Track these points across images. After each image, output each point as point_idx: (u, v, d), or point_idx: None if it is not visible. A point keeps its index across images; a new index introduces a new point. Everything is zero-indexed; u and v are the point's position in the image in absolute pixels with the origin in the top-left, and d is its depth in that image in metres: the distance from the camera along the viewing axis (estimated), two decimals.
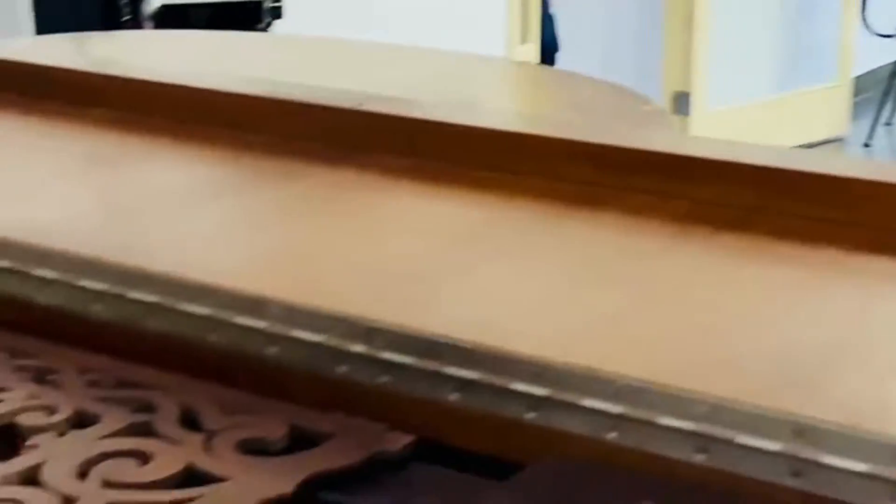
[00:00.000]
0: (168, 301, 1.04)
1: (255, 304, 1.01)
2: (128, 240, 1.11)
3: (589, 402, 0.90)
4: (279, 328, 1.00)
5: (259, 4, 4.38)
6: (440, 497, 0.90)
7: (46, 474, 0.88)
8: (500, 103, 2.05)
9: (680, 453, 0.87)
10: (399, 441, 0.94)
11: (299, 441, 0.94)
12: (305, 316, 0.99)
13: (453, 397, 0.94)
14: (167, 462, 0.91)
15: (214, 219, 1.22)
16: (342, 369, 0.98)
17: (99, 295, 1.07)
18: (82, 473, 0.89)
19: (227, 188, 1.30)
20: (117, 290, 1.06)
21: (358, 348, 0.97)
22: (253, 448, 0.93)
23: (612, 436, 0.89)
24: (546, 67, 5.63)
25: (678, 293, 1.07)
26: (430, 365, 0.95)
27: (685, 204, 1.21)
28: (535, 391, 0.91)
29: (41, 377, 1.02)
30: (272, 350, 1.00)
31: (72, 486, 0.87)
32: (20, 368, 1.03)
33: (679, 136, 3.47)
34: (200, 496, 0.87)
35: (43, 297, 1.09)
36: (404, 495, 0.90)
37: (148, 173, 1.34)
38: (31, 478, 0.88)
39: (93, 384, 1.01)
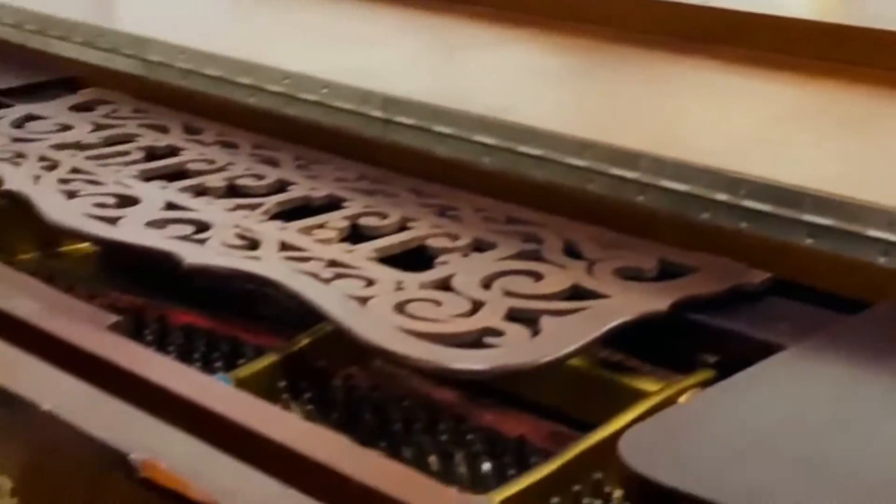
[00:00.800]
0: (552, 154, 1.08)
1: (629, 158, 1.04)
2: (511, 104, 1.16)
3: None
4: (650, 178, 1.03)
5: None
6: (793, 324, 0.92)
7: (457, 283, 0.95)
8: None
9: None
10: (757, 277, 0.97)
11: (667, 274, 0.98)
12: (674, 168, 1.02)
13: (808, 242, 0.96)
14: (556, 280, 0.96)
15: (585, 92, 1.26)
16: (706, 215, 1.01)
17: (490, 148, 1.12)
18: (486, 285, 0.95)
19: (590, 70, 1.34)
20: (507, 144, 1.11)
21: (721, 196, 1.00)
22: (629, 275, 0.97)
23: None
24: None
25: None
26: (788, 212, 0.97)
27: None
28: (889, 237, 0.92)
29: (443, 213, 1.09)
30: (642, 198, 1.04)
31: (479, 293, 0.93)
32: (424, 205, 1.10)
33: None
34: (589, 307, 0.92)
35: (442, 150, 1.15)
36: (762, 321, 0.93)
37: (518, 56, 1.38)
38: (444, 285, 0.95)
39: (487, 219, 1.07)
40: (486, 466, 0.91)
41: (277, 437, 0.80)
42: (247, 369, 0.97)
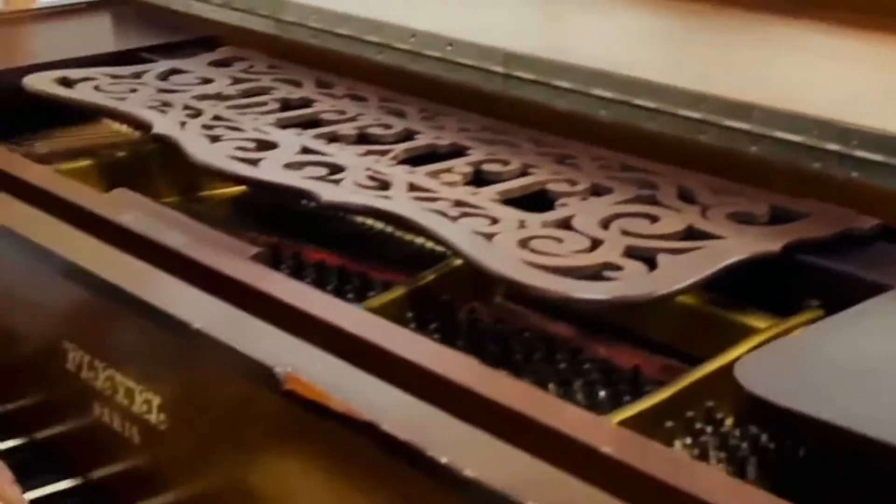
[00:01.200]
0: (666, 107, 1.08)
1: (743, 109, 1.04)
2: (625, 61, 1.16)
3: None
4: (763, 129, 1.03)
5: None
6: None
7: (577, 223, 0.96)
8: None
9: None
10: (867, 223, 0.96)
11: (779, 219, 0.98)
12: (786, 119, 1.02)
13: None
14: (672, 222, 0.96)
15: (697, 52, 1.26)
16: (817, 165, 1.00)
17: (606, 101, 1.12)
18: (604, 225, 0.96)
19: (701, 32, 1.33)
20: (623, 97, 1.11)
21: (832, 147, 0.99)
22: (741, 219, 0.97)
23: None
24: None
25: None
26: None
27: None
28: None
29: (561, 160, 1.10)
30: (755, 148, 1.04)
31: (597, 232, 0.94)
32: (543, 154, 1.11)
33: None
34: (704, 247, 0.92)
35: (560, 103, 1.16)
36: (871, 264, 0.92)
37: (631, 19, 1.38)
38: (564, 224, 0.96)
39: (603, 167, 1.08)
40: (602, 394, 0.92)
41: (411, 357, 0.82)
42: (377, 301, 0.99)
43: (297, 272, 1.09)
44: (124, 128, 1.34)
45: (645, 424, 0.81)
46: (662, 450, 0.75)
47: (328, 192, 1.01)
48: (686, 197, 1.01)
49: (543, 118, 1.17)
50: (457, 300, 1.02)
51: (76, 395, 1.05)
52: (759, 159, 1.04)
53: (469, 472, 0.72)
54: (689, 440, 0.84)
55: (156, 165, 1.28)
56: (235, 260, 0.96)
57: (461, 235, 0.93)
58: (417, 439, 0.75)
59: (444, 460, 0.73)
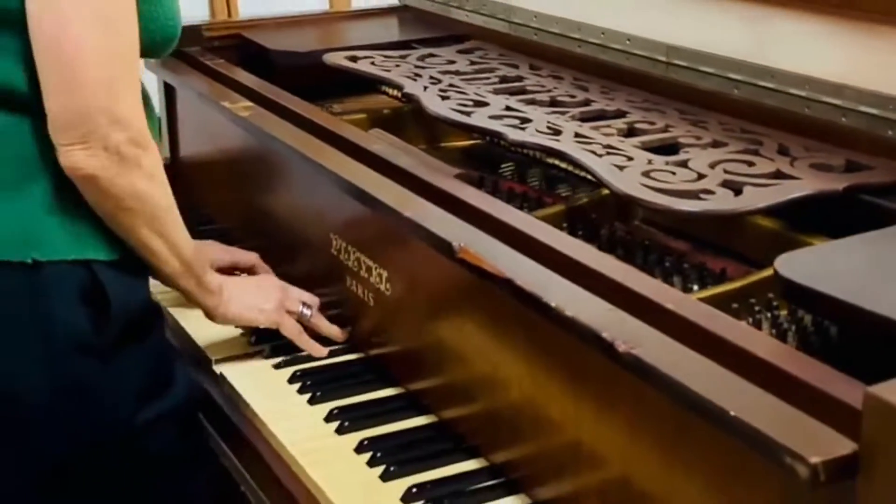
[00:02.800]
0: (780, 87, 1.16)
1: (835, 89, 1.10)
2: (750, 49, 1.23)
3: None
4: (851, 104, 1.09)
5: None
6: None
7: (691, 164, 1.06)
8: None
9: None
10: None
11: (852, 170, 1.05)
12: (870, 96, 1.07)
13: None
14: (764, 167, 1.06)
15: (816, 50, 1.30)
16: (890, 133, 1.06)
17: (738, 83, 1.20)
18: (712, 166, 1.06)
19: (841, 35, 1.36)
20: (749, 80, 1.19)
21: None
22: (820, 168, 1.05)
23: None
24: None
25: None
26: None
27: None
28: None
29: (695, 123, 1.19)
30: (844, 120, 1.10)
31: (704, 170, 1.05)
32: (684, 119, 1.21)
33: None
34: (783, 184, 1.01)
35: (704, 84, 1.24)
36: None
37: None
38: (681, 164, 1.07)
39: (726, 130, 1.17)
40: (695, 287, 1.02)
41: (546, 241, 0.95)
42: (542, 213, 1.13)
43: (492, 193, 1.23)
44: (388, 97, 1.51)
45: (717, 303, 0.92)
46: (717, 313, 0.85)
47: (514, 134, 1.15)
48: (783, 152, 1.10)
49: (690, 95, 1.26)
50: (601, 219, 1.14)
51: (336, 271, 1.24)
52: (847, 130, 1.10)
53: (569, 312, 0.85)
54: (749, 319, 0.94)
55: (409, 121, 1.46)
56: (443, 177, 1.12)
57: (602, 165, 1.06)
58: (540, 293, 0.89)
59: (553, 304, 0.87)
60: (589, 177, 1.09)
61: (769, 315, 0.94)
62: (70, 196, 1.00)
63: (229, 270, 1.30)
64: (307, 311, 1.21)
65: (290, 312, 1.20)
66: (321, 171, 1.20)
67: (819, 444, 0.68)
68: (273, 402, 1.12)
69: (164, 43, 1.08)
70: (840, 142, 1.11)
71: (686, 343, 0.80)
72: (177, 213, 1.08)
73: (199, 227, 1.43)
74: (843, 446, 0.67)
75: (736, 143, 1.12)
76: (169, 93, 1.67)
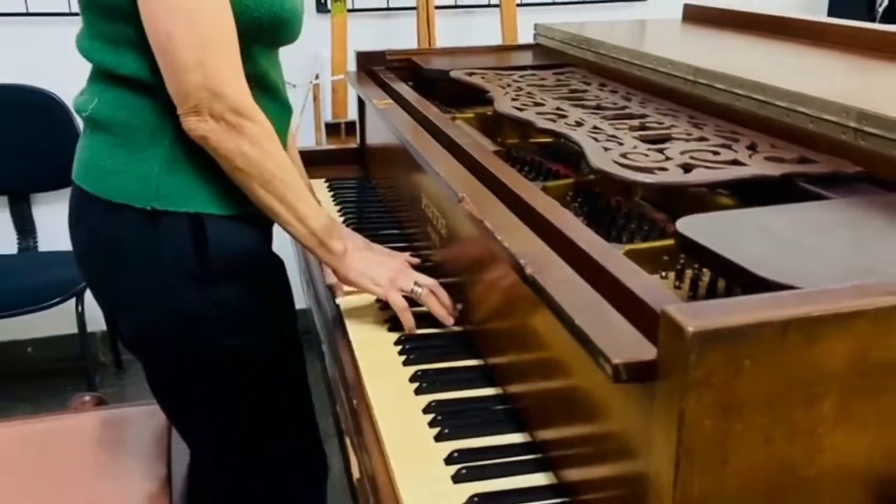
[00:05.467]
0: (779, 103, 1.03)
1: (805, 99, 0.96)
2: (754, 69, 1.10)
3: None
4: (817, 113, 0.95)
5: None
6: (867, 195, 0.82)
7: (666, 151, 0.96)
8: None
9: None
10: (853, 169, 0.88)
11: (801, 163, 0.91)
12: (831, 105, 0.93)
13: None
14: (725, 156, 0.94)
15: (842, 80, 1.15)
16: (843, 136, 0.92)
17: (739, 97, 1.08)
18: (682, 152, 0.95)
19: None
20: (748, 94, 1.07)
21: (852, 124, 0.90)
22: (773, 159, 0.92)
23: None
24: None
25: None
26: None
27: None
28: None
29: (696, 125, 1.08)
30: (811, 125, 0.96)
31: (674, 155, 0.94)
32: (689, 122, 1.10)
33: None
34: (728, 169, 0.90)
35: (717, 98, 1.13)
36: (839, 190, 0.84)
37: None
38: (659, 150, 0.97)
39: (718, 130, 1.05)
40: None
41: (536, 207, 0.89)
42: (553, 184, 1.06)
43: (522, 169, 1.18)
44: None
45: (647, 253, 0.83)
46: (628, 264, 0.77)
47: (542, 123, 1.09)
48: (751, 147, 0.98)
49: (705, 106, 1.15)
50: (604, 193, 1.06)
51: (423, 219, 1.24)
52: (812, 132, 0.97)
53: (506, 243, 0.80)
54: (670, 273, 0.84)
55: (504, 123, 1.42)
56: (484, 151, 1.08)
57: (593, 147, 0.98)
58: (495, 230, 0.84)
59: (499, 237, 0.82)
60: None
61: (689, 269, 0.84)
62: (186, 161, 0.98)
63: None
64: (419, 290, 1.06)
65: (402, 291, 1.06)
66: (409, 146, 1.19)
67: (624, 348, 0.60)
68: (370, 339, 1.05)
69: (273, 25, 0.97)
70: (808, 144, 0.97)
71: (582, 273, 0.74)
72: (297, 185, 0.99)
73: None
74: (646, 353, 0.59)
75: (717, 140, 1.01)
76: (361, 102, 1.72)
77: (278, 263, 1.10)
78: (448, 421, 0.89)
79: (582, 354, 0.72)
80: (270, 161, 0.98)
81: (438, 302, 1.07)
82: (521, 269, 0.75)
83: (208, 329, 1.02)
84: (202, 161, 0.98)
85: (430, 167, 1.08)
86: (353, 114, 2.17)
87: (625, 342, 0.61)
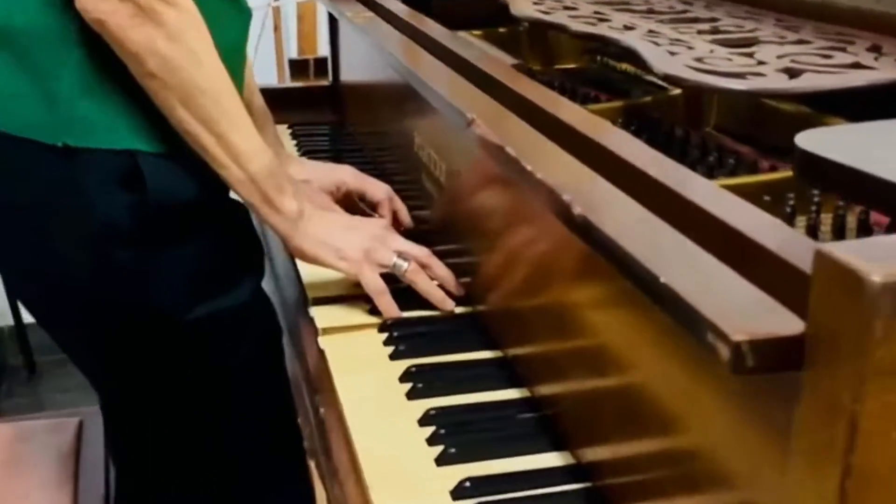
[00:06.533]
0: None
1: None
2: None
3: None
4: None
5: None
6: None
7: (757, 55, 0.80)
8: None
9: None
10: None
11: None
12: None
13: None
14: (841, 59, 0.77)
15: None
16: None
17: None
18: (779, 56, 0.79)
19: None
20: None
21: None
22: None
23: None
24: None
25: None
26: None
27: None
28: None
29: (787, 28, 0.91)
30: None
31: (768, 59, 0.78)
32: (776, 24, 0.94)
33: None
34: (851, 73, 0.73)
35: None
36: None
37: None
38: (746, 54, 0.80)
39: (818, 32, 0.89)
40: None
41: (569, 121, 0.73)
42: (599, 107, 0.90)
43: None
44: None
45: (744, 192, 0.67)
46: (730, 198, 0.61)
47: (576, 26, 0.92)
48: (873, 49, 0.81)
49: (796, 6, 0.98)
50: (666, 119, 0.89)
51: (414, 166, 1.07)
52: None
53: (540, 175, 0.63)
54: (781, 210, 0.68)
55: (519, 43, 1.24)
56: (500, 66, 0.92)
57: (653, 51, 0.81)
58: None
59: (529, 167, 0.65)
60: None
61: (807, 211, 0.67)
62: (107, 79, 0.81)
63: (352, 203, 1.07)
64: (402, 264, 0.90)
65: (381, 266, 0.89)
66: (395, 64, 1.02)
67: (752, 319, 0.43)
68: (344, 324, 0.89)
69: None
70: None
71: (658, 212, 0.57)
72: (235, 108, 0.83)
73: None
74: (786, 324, 0.42)
75: (822, 42, 0.84)
76: (333, 25, 1.55)
77: (241, 212, 0.92)
78: (454, 436, 0.71)
79: (661, 332, 0.55)
80: (197, 68, 0.80)
81: (431, 279, 0.90)
82: (566, 210, 0.58)
83: (155, 303, 0.85)
84: (131, 78, 0.81)
85: (425, 85, 0.91)
86: (324, 49, 2.00)
87: (747, 309, 0.44)
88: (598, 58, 1.14)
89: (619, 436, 0.63)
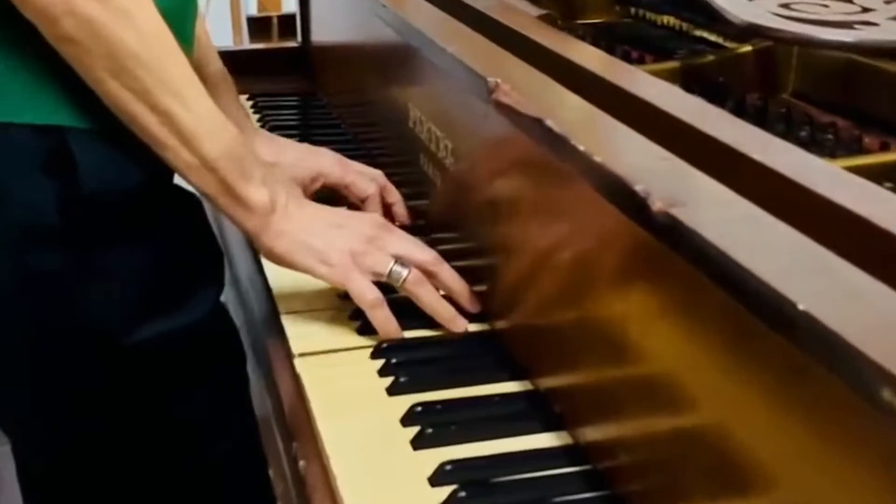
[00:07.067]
0: None
1: None
2: None
3: None
4: None
5: None
6: None
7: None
8: None
9: None
10: None
11: None
12: None
13: None
14: None
15: None
16: None
17: None
18: (888, 1, 0.66)
19: None
20: None
21: None
22: None
23: None
24: None
25: None
26: None
27: None
28: None
29: None
30: None
31: (876, 5, 0.65)
32: None
33: None
34: None
35: None
36: None
37: None
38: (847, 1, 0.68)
39: None
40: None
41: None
42: (655, 66, 0.77)
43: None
44: None
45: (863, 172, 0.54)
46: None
47: None
48: None
49: None
50: (735, 84, 0.77)
51: (410, 146, 0.94)
52: None
53: (598, 158, 0.51)
54: None
55: None
56: (525, 17, 0.79)
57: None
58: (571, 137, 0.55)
59: (581, 147, 0.52)
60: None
61: None
62: (26, 43, 0.69)
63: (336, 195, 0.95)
64: (401, 271, 0.77)
65: (373, 274, 0.77)
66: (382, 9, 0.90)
67: None
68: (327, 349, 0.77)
69: None
70: None
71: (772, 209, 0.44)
72: (179, 76, 0.71)
73: None
74: None
75: None
76: None
77: (190, 201, 0.80)
78: (481, 497, 0.59)
79: (784, 369, 0.42)
80: (128, 29, 0.67)
81: (438, 292, 0.77)
82: (640, 205, 0.45)
83: (87, 321, 0.73)
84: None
85: (430, 42, 0.79)
86: (289, 5, 1.87)
87: None
88: (633, 10, 1.01)
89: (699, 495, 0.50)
